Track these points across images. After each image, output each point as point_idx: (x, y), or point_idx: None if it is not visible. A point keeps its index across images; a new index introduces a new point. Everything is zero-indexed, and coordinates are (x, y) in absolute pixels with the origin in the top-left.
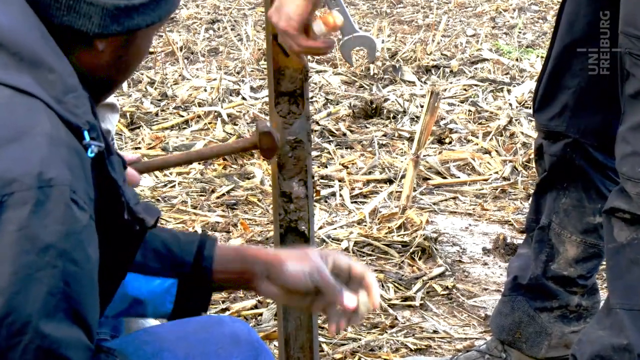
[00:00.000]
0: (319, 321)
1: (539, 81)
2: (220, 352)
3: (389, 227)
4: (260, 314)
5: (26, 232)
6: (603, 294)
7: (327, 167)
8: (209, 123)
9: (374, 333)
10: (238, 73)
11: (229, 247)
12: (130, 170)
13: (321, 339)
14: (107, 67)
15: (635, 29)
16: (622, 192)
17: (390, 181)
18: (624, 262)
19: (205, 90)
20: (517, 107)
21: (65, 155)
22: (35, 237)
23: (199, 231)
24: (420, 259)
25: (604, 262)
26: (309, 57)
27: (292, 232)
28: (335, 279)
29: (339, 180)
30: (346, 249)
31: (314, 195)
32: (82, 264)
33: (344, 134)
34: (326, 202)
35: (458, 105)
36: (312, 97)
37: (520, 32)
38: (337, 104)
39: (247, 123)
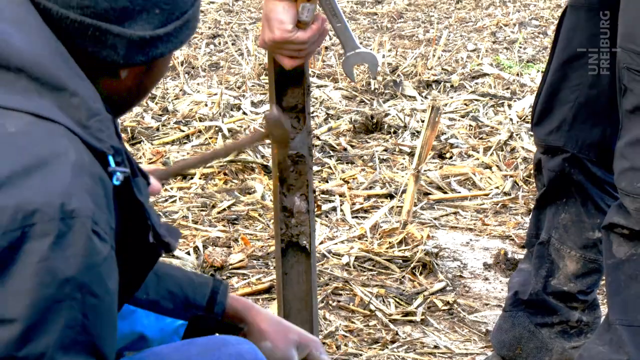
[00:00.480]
0: (320, 336)
1: (538, 96)
2: None
3: (389, 242)
4: None
5: (47, 264)
6: (604, 309)
7: (327, 182)
8: (210, 138)
9: (375, 348)
10: (239, 88)
11: (238, 299)
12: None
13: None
14: (128, 91)
15: (634, 45)
16: (620, 208)
17: (391, 196)
18: (622, 278)
19: (206, 105)
20: (517, 122)
21: (88, 185)
22: (55, 270)
23: (200, 246)
24: (421, 274)
25: (604, 276)
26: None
27: (294, 247)
28: None
29: (340, 195)
30: (347, 264)
31: (315, 209)
32: (101, 297)
33: (345, 149)
34: (327, 217)
35: (459, 120)
36: (313, 112)
37: (520, 47)
38: (338, 119)
39: None
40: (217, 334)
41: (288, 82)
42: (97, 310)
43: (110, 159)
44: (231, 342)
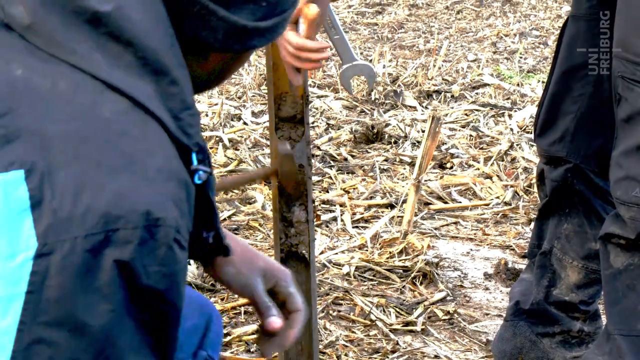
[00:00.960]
0: (320, 346)
1: (540, 106)
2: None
3: (390, 252)
4: None
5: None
6: (605, 320)
7: (328, 191)
8: (211, 148)
9: (375, 358)
10: (239, 98)
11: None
12: None
13: None
14: (208, 76)
15: (628, 53)
16: (617, 218)
17: (391, 206)
18: (620, 288)
19: (207, 115)
20: (518, 132)
21: (173, 191)
22: (134, 276)
23: None
24: (421, 283)
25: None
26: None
27: (293, 257)
28: (269, 299)
29: (340, 205)
30: (347, 274)
31: (314, 219)
32: (174, 304)
33: (345, 159)
34: (327, 226)
35: (459, 130)
36: (313, 122)
37: (521, 57)
38: (339, 129)
39: (249, 148)
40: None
41: (287, 93)
42: (168, 318)
43: (194, 156)
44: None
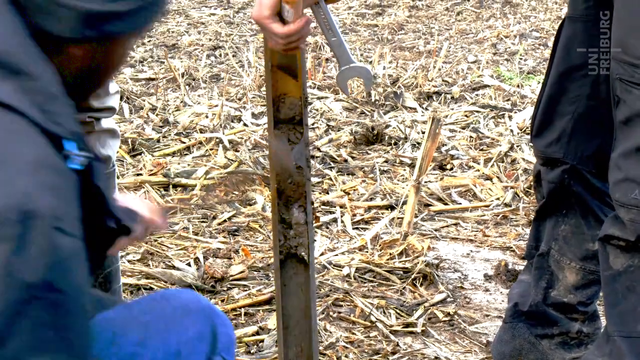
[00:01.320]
0: (320, 348)
1: (537, 107)
2: (172, 327)
3: (390, 254)
4: (262, 341)
5: (10, 269)
6: (604, 320)
7: (328, 193)
8: (211, 149)
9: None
10: (239, 99)
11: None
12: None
13: None
14: (79, 72)
15: (626, 55)
16: (616, 219)
17: (391, 207)
18: (620, 290)
19: (207, 117)
20: (518, 133)
21: (49, 180)
22: (18, 273)
23: (201, 258)
24: (421, 285)
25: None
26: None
27: (292, 258)
28: None
29: (340, 207)
30: (347, 275)
31: (313, 221)
32: (67, 292)
33: (346, 160)
34: (327, 228)
35: (459, 132)
36: (313, 124)
37: (521, 59)
38: (339, 130)
39: (249, 149)
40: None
41: (286, 94)
42: (65, 306)
43: (71, 144)
44: (172, 295)
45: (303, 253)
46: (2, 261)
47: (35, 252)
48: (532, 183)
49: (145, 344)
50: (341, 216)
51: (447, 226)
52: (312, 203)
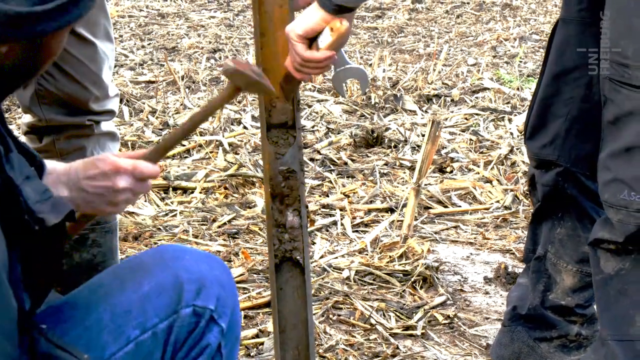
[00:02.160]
0: (320, 350)
1: (530, 110)
2: (127, 285)
3: (390, 256)
4: (262, 343)
5: None
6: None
7: (328, 196)
8: (211, 152)
9: None
10: (239, 102)
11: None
12: (143, 164)
13: None
14: (14, 68)
15: (617, 56)
16: (605, 222)
17: (391, 210)
18: (612, 293)
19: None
20: (518, 136)
21: None
22: None
23: None
24: (421, 288)
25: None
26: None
27: (288, 262)
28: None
29: (340, 209)
30: (347, 278)
31: (308, 224)
32: None
33: (345, 163)
34: (327, 231)
35: (459, 134)
36: (313, 126)
37: (521, 61)
38: (339, 133)
39: (249, 152)
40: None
41: (277, 98)
42: None
43: None
44: (150, 252)
45: (298, 257)
46: None
47: None
48: (527, 187)
49: (90, 309)
50: (341, 219)
51: (447, 229)
52: (307, 206)
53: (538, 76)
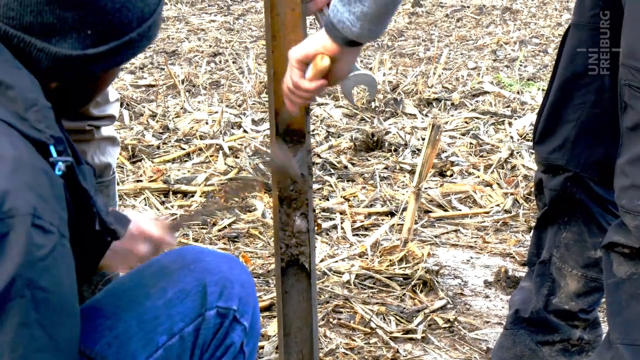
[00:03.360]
0: (320, 354)
1: (540, 114)
2: (152, 292)
3: (390, 260)
4: (262, 347)
5: None
6: (605, 328)
7: (328, 199)
8: (211, 156)
9: None
10: (239, 106)
11: None
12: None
13: None
14: (67, 97)
15: (636, 61)
16: (620, 226)
17: (391, 214)
18: (623, 297)
19: (207, 123)
20: (518, 139)
21: (29, 179)
22: None
23: None
24: (421, 291)
25: (605, 295)
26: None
27: (294, 266)
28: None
29: (341, 213)
30: (347, 282)
31: (315, 228)
32: (51, 290)
33: (346, 167)
34: (327, 234)
35: (459, 138)
36: (313, 130)
37: (521, 65)
38: (339, 137)
39: (249, 156)
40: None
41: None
42: (49, 304)
43: (52, 148)
44: (170, 255)
45: (304, 261)
46: None
47: (16, 250)
48: (533, 191)
49: (117, 317)
50: (341, 223)
51: (447, 233)
52: (314, 210)
53: (539, 80)
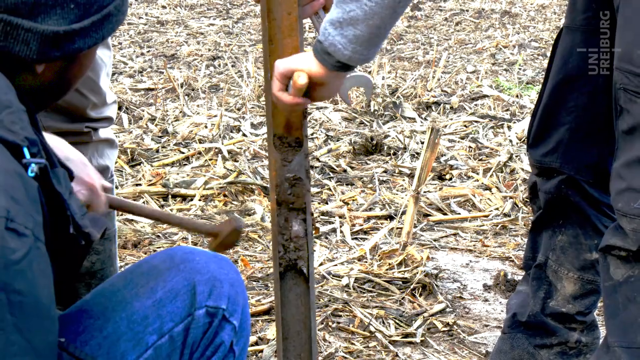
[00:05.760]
0: (320, 358)
1: (533, 117)
2: (141, 291)
3: (389, 264)
4: (261, 351)
5: None
6: (603, 330)
7: (327, 203)
8: (210, 159)
9: None
10: (238, 110)
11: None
12: (98, 197)
13: None
14: (49, 85)
15: (631, 65)
16: (617, 229)
17: (390, 217)
18: (620, 300)
19: (206, 127)
20: (517, 143)
21: (1, 182)
22: None
23: None
24: (421, 295)
25: (602, 298)
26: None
27: (292, 270)
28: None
29: (340, 217)
30: (347, 286)
31: (313, 232)
32: (27, 293)
33: (345, 171)
34: (327, 238)
35: (458, 142)
36: (312, 134)
37: (520, 69)
38: (338, 141)
39: (248, 160)
40: None
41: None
42: (25, 307)
43: (25, 150)
44: (160, 255)
45: (302, 266)
46: None
47: None
48: (527, 194)
49: (106, 317)
50: (340, 226)
51: (446, 236)
52: (312, 214)
53: (538, 83)
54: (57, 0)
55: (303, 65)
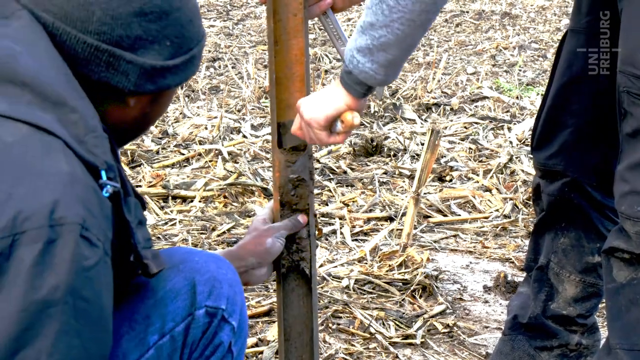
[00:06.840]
0: (320, 359)
1: (537, 119)
2: (143, 292)
3: (389, 265)
4: (261, 352)
5: (37, 269)
6: (603, 333)
7: (327, 205)
8: (210, 161)
9: None
10: (239, 111)
11: None
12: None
13: None
14: (133, 120)
15: (634, 68)
16: (621, 232)
17: (391, 219)
18: (623, 303)
19: (206, 128)
20: (517, 144)
21: (80, 193)
22: (45, 275)
23: None
24: (421, 296)
25: (604, 301)
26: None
27: (294, 272)
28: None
29: (340, 218)
30: (347, 287)
31: (316, 234)
32: (92, 301)
33: (345, 172)
34: (327, 240)
35: (458, 143)
36: None
37: (520, 70)
38: None
39: (248, 161)
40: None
41: (289, 108)
42: (88, 315)
43: (103, 173)
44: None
45: (305, 267)
46: (31, 262)
47: (63, 257)
48: (531, 196)
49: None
50: (340, 228)
51: (447, 238)
52: (315, 216)
53: (538, 85)
54: (156, 37)
55: (339, 104)
